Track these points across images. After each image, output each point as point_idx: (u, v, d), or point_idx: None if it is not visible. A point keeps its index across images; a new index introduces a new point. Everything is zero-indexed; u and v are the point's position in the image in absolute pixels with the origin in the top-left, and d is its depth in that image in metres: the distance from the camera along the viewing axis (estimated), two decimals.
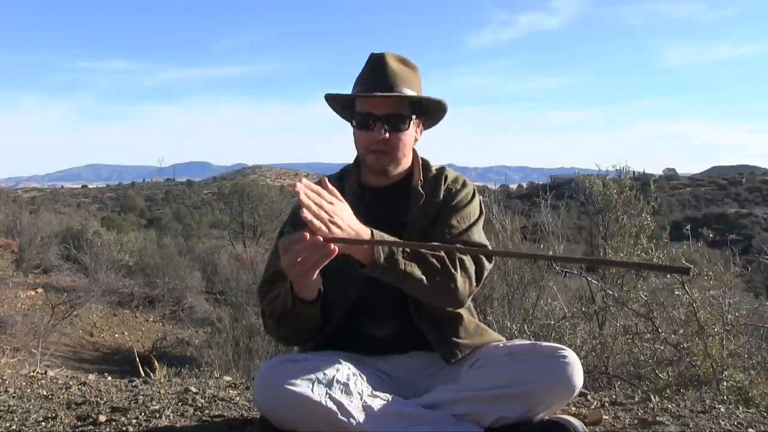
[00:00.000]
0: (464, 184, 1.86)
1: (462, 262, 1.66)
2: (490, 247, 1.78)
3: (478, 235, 1.79)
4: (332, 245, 1.39)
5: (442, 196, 1.81)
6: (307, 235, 1.39)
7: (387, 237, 1.57)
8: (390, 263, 1.55)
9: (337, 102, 1.84)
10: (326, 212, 1.43)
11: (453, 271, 1.63)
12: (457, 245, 1.70)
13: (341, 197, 1.50)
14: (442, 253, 1.63)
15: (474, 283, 1.69)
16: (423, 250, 1.61)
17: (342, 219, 1.46)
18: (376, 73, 1.74)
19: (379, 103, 1.73)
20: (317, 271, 1.46)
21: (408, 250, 1.59)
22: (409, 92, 1.73)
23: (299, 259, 1.41)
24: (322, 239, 1.39)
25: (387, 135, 1.72)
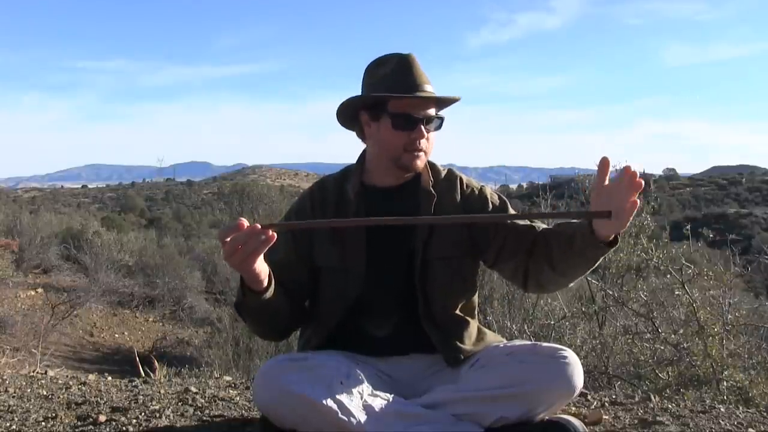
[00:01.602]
0: (481, 184, 1.90)
1: None
2: None
3: None
4: (270, 231, 1.41)
5: (461, 196, 1.83)
6: (244, 222, 1.40)
7: None
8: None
9: (361, 102, 1.80)
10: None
11: None
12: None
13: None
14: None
15: None
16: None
17: None
18: (412, 74, 1.75)
19: (418, 104, 1.74)
20: (257, 259, 1.47)
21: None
22: (446, 95, 1.77)
23: (239, 247, 1.42)
24: (259, 226, 1.41)
25: (426, 135, 1.76)
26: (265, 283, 1.57)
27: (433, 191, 1.81)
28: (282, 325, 1.80)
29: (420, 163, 1.78)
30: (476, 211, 1.82)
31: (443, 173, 1.87)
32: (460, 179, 1.87)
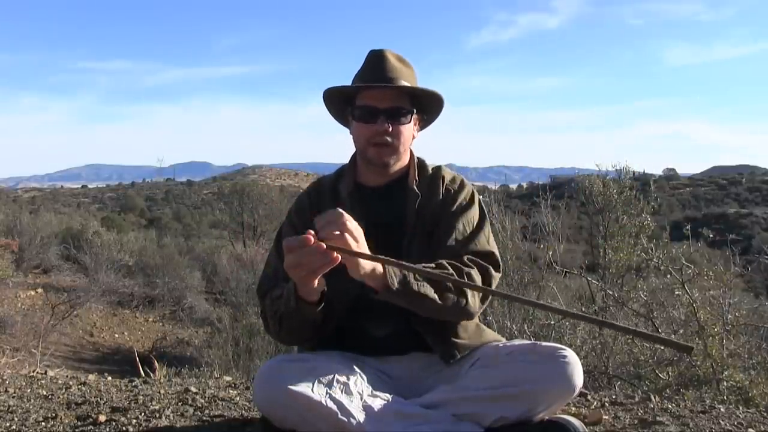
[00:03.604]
0: (462, 184, 1.86)
1: (470, 276, 1.67)
2: (497, 253, 1.80)
3: (486, 241, 1.79)
4: (335, 254, 1.41)
5: (441, 196, 1.82)
6: (311, 239, 1.39)
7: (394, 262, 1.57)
8: (404, 288, 1.56)
9: (337, 98, 1.84)
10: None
11: (466, 288, 1.65)
12: (463, 281, 1.65)
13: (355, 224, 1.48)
14: (452, 270, 1.64)
15: (488, 285, 1.71)
16: (432, 269, 1.61)
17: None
18: (377, 67, 1.76)
19: (381, 96, 1.75)
20: (319, 276, 1.47)
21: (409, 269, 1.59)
22: (411, 84, 1.76)
23: (302, 262, 1.42)
24: (324, 245, 1.40)
25: (389, 127, 1.74)
26: (317, 298, 1.58)
27: (416, 190, 1.80)
28: (316, 332, 1.77)
29: (388, 158, 1.77)
30: (445, 213, 1.79)
31: (430, 171, 1.86)
32: (443, 176, 1.85)
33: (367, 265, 1.49)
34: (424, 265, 1.59)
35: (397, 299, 1.57)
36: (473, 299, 1.67)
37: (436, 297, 1.60)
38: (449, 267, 1.65)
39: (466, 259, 1.70)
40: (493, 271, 1.74)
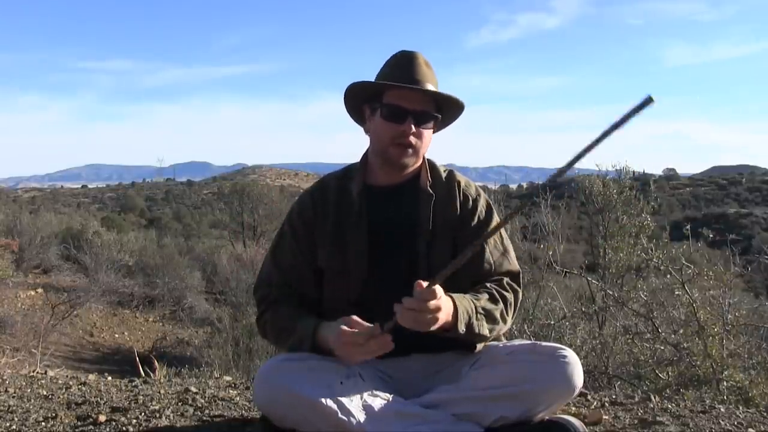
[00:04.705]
0: (478, 191, 1.88)
1: (513, 303, 1.76)
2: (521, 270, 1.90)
3: (514, 257, 1.87)
4: (390, 337, 1.53)
5: (459, 204, 1.82)
6: (379, 328, 1.51)
7: (464, 303, 1.64)
8: (469, 330, 1.63)
9: (360, 94, 1.81)
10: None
11: (508, 316, 1.74)
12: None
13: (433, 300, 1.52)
14: (501, 305, 1.72)
15: (515, 311, 1.81)
16: (487, 306, 1.69)
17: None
18: (409, 69, 1.75)
19: (411, 97, 1.73)
20: None
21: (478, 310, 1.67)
22: (443, 92, 1.76)
23: (360, 352, 1.55)
24: (388, 336, 1.53)
25: (415, 130, 1.74)
26: None
27: (430, 191, 1.80)
28: None
29: (408, 159, 1.77)
30: (466, 224, 1.82)
31: (444, 175, 1.86)
32: (458, 183, 1.85)
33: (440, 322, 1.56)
34: (482, 300, 1.69)
35: (461, 337, 1.65)
36: (510, 321, 1.77)
37: (488, 333, 1.69)
38: (499, 298, 1.73)
39: (505, 283, 1.77)
40: (521, 294, 1.82)
